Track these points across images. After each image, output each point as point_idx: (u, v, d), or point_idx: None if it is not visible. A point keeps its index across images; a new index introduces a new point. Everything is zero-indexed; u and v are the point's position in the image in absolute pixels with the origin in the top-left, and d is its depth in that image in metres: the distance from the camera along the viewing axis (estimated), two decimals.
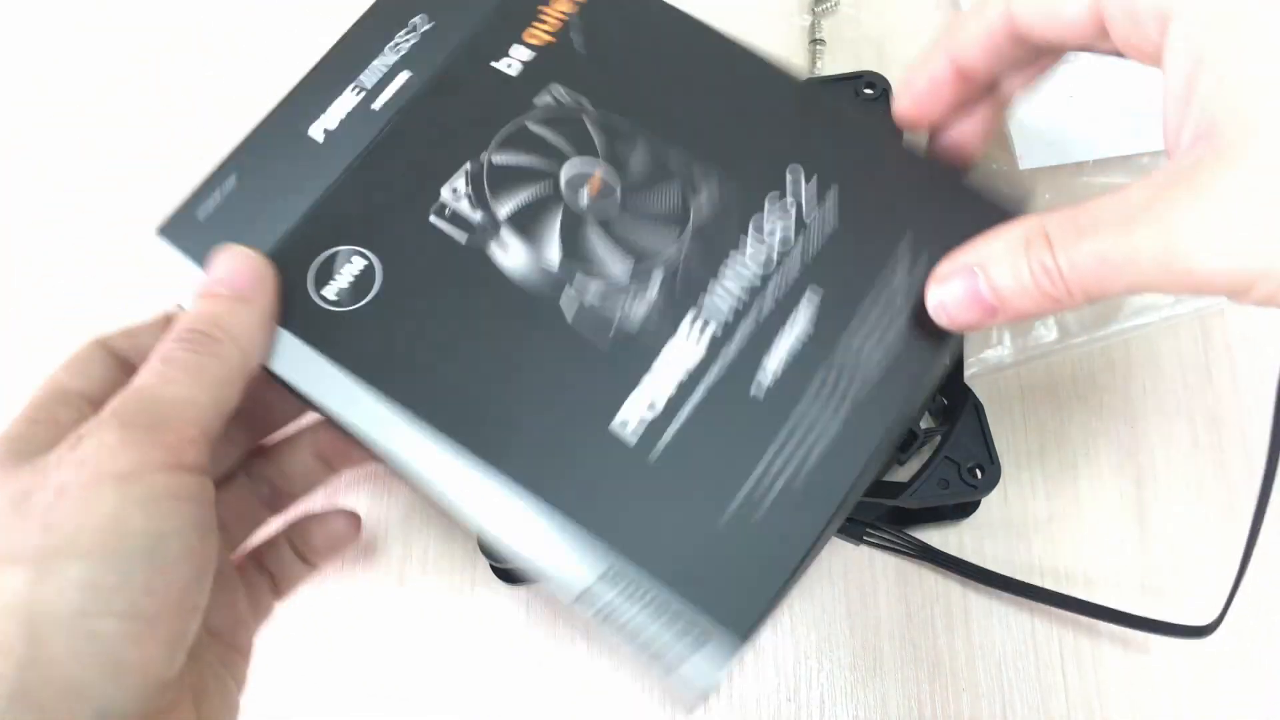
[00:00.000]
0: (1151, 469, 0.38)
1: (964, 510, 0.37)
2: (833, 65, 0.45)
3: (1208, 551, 0.36)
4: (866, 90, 0.39)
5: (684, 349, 0.27)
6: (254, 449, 0.32)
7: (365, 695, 0.37)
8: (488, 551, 0.34)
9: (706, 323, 0.28)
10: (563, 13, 0.32)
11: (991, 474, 0.34)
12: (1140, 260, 0.22)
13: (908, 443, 0.36)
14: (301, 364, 0.27)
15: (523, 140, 0.30)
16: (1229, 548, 0.35)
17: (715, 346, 0.27)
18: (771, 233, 0.29)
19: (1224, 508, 0.37)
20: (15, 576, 0.22)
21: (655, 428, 0.27)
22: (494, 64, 0.31)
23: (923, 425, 0.37)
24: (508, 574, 0.37)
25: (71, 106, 0.46)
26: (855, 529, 0.37)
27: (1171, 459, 0.38)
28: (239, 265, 0.27)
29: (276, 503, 0.32)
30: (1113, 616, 0.34)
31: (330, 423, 0.28)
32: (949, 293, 0.26)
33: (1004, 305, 0.25)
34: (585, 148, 0.30)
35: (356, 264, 0.28)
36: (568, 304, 0.28)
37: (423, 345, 0.28)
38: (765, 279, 0.28)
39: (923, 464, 0.34)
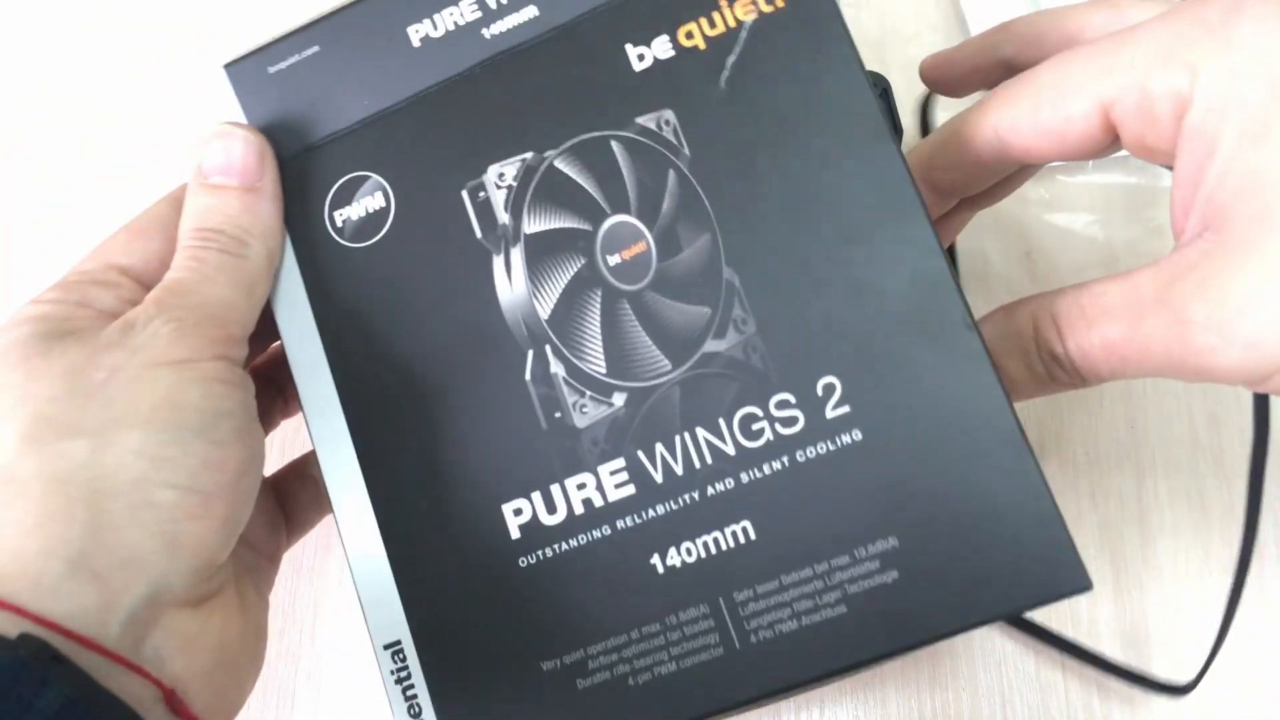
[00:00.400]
0: (1152, 469, 0.38)
1: None
2: None
3: (1208, 552, 0.36)
4: None
5: (615, 478, 0.24)
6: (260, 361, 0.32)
7: None
8: None
9: (647, 472, 0.24)
10: (730, 20, 0.25)
11: None
12: (1152, 351, 0.23)
13: None
14: (283, 277, 0.26)
15: (596, 159, 0.25)
16: (1229, 555, 0.35)
17: (644, 498, 0.24)
18: (756, 434, 0.23)
19: (1224, 511, 0.37)
20: (76, 446, 0.22)
21: (543, 536, 0.24)
22: (628, 48, 0.25)
23: None
24: None
25: (71, 106, 0.46)
26: None
27: (1171, 459, 0.38)
28: (241, 150, 0.26)
29: (282, 411, 0.32)
30: (1098, 663, 0.34)
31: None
32: None
33: (1014, 390, 0.25)
34: (648, 209, 0.25)
35: (376, 200, 0.26)
36: (535, 360, 0.25)
37: (382, 321, 0.26)
38: (718, 478, 0.24)
39: None
